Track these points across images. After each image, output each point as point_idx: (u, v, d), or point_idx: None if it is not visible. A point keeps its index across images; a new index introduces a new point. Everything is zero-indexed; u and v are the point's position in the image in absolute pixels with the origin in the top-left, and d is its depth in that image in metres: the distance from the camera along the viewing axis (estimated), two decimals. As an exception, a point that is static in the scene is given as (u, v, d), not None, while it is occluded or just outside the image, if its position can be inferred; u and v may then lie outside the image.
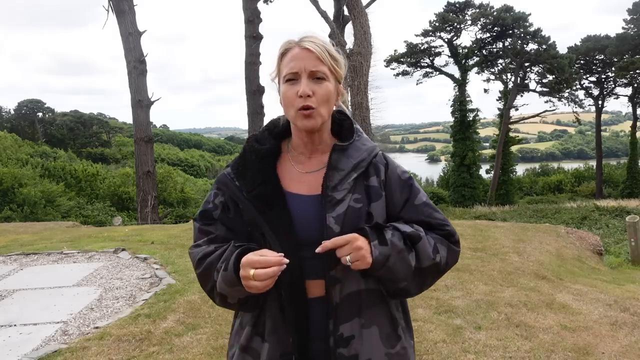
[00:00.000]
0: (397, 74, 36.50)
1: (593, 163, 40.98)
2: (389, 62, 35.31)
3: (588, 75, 36.93)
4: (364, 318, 1.15)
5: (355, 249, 1.06)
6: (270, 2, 20.60)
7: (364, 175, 1.19)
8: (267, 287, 1.04)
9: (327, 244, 1.06)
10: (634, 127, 36.44)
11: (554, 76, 33.02)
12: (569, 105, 35.55)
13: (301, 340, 1.12)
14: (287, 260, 1.04)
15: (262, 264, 1.02)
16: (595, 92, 37.65)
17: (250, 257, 1.04)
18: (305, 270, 1.13)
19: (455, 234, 1.23)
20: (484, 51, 34.90)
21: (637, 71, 32.60)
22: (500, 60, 35.61)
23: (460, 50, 34.22)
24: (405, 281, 1.15)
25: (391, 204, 1.20)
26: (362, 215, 1.15)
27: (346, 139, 1.22)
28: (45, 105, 58.48)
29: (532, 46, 33.00)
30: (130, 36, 14.89)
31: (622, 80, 35.04)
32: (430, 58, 35.55)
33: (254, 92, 15.58)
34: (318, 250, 1.07)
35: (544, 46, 32.21)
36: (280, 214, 1.14)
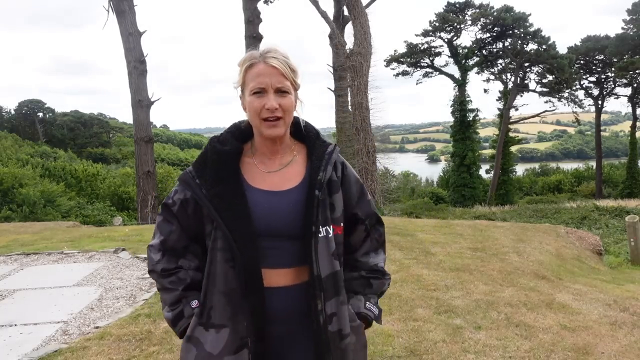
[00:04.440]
0: (397, 74, 36.53)
1: (593, 163, 40.98)
2: (389, 62, 35.32)
3: (588, 76, 36.94)
4: (341, 296, 1.32)
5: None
6: (270, 2, 20.62)
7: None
8: None
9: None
10: (633, 127, 36.44)
11: (553, 76, 33.03)
12: (568, 105, 35.59)
13: (257, 324, 1.24)
14: None
15: None
16: (595, 92, 37.66)
17: None
18: (268, 259, 1.26)
19: (380, 218, 1.49)
20: (484, 51, 34.90)
21: (637, 71, 32.61)
22: (500, 60, 35.62)
23: (460, 51, 34.21)
24: None
25: (347, 197, 1.40)
26: (327, 206, 1.31)
27: (313, 141, 1.39)
28: (46, 106, 58.53)
29: (532, 46, 33.03)
30: (131, 36, 14.89)
31: (622, 80, 35.05)
32: (430, 58, 35.55)
33: (254, 92, 15.57)
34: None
35: (543, 46, 32.21)
36: (238, 209, 1.25)
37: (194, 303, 1.32)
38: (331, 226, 1.31)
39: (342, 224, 1.36)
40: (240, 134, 1.39)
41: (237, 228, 1.23)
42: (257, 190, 1.30)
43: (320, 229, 1.28)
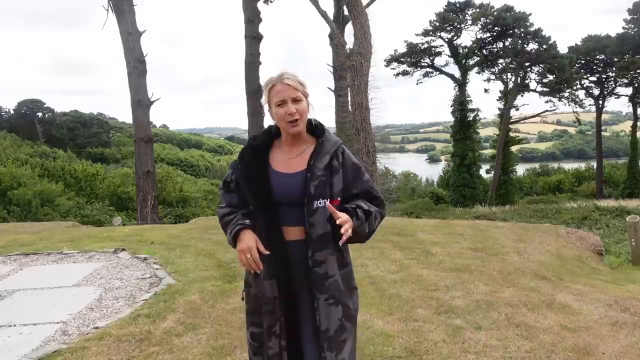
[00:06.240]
0: (397, 74, 36.57)
1: (593, 163, 41.00)
2: (389, 62, 35.34)
3: (588, 75, 36.94)
4: (329, 249, 1.81)
5: (349, 225, 1.73)
6: (270, 2, 20.61)
7: (330, 159, 1.84)
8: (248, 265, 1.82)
9: (338, 215, 1.72)
10: (634, 127, 36.44)
11: (554, 76, 33.03)
12: (569, 105, 35.58)
13: (281, 266, 1.80)
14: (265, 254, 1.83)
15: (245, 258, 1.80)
16: (596, 92, 37.65)
17: (242, 246, 1.79)
18: (285, 220, 1.81)
19: (381, 196, 1.95)
20: (484, 51, 34.89)
21: (638, 71, 32.60)
22: (501, 60, 35.60)
23: (461, 50, 34.21)
24: (358, 238, 1.84)
25: (345, 178, 1.87)
26: (327, 184, 1.81)
27: (320, 136, 1.89)
28: (45, 105, 58.36)
29: (532, 46, 33.05)
30: (130, 36, 14.88)
31: (623, 80, 35.07)
32: (431, 58, 35.57)
33: (254, 92, 15.57)
34: (334, 217, 1.73)
35: (544, 46, 32.21)
36: (262, 185, 1.83)
37: (248, 222, 1.83)
38: (328, 199, 1.79)
39: (339, 198, 1.83)
40: (271, 133, 1.95)
41: (262, 198, 1.82)
42: (277, 172, 1.84)
43: (318, 201, 1.78)
